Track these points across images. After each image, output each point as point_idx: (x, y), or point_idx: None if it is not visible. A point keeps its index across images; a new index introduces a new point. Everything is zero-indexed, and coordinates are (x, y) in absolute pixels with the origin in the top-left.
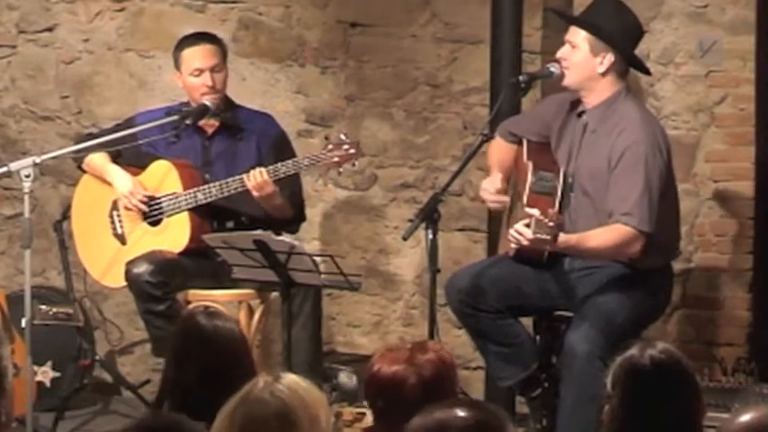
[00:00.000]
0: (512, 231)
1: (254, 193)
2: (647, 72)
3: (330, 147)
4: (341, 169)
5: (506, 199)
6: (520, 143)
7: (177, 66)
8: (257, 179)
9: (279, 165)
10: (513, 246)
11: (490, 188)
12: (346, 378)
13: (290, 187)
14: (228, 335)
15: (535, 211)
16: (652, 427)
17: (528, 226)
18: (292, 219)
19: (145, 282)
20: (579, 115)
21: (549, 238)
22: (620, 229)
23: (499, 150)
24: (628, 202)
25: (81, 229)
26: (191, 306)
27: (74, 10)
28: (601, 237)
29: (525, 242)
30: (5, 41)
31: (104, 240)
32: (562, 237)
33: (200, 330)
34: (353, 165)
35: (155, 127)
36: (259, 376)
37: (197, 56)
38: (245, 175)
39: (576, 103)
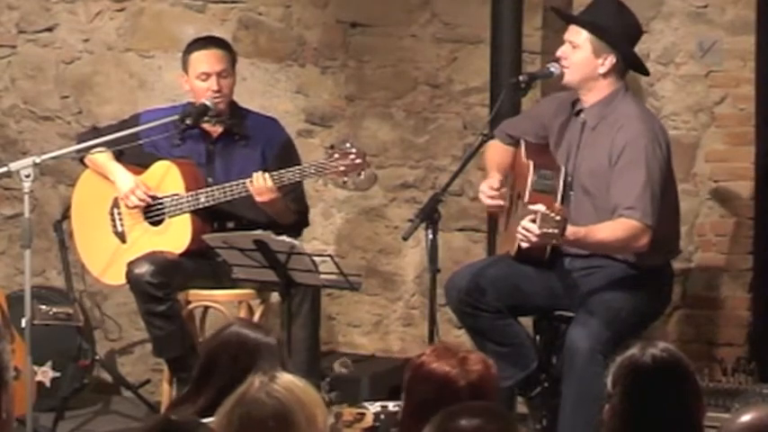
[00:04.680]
0: (519, 229)
1: (256, 198)
2: (646, 72)
3: (336, 156)
4: (346, 178)
5: (503, 202)
6: (517, 145)
7: (185, 68)
8: (259, 183)
9: (284, 171)
10: (523, 244)
11: (488, 190)
12: (340, 366)
13: (294, 192)
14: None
15: (540, 207)
16: (653, 427)
17: (534, 222)
18: (295, 224)
19: (146, 282)
20: (577, 114)
21: (556, 231)
22: (626, 222)
23: (496, 153)
24: (631, 197)
25: (81, 225)
26: (190, 306)
27: (74, 10)
28: (608, 229)
29: (534, 238)
30: (5, 41)
31: (104, 238)
32: (570, 229)
33: (247, 343)
34: (359, 175)
35: (158, 127)
36: (254, 377)
37: (205, 60)
38: (248, 180)
39: (574, 101)
